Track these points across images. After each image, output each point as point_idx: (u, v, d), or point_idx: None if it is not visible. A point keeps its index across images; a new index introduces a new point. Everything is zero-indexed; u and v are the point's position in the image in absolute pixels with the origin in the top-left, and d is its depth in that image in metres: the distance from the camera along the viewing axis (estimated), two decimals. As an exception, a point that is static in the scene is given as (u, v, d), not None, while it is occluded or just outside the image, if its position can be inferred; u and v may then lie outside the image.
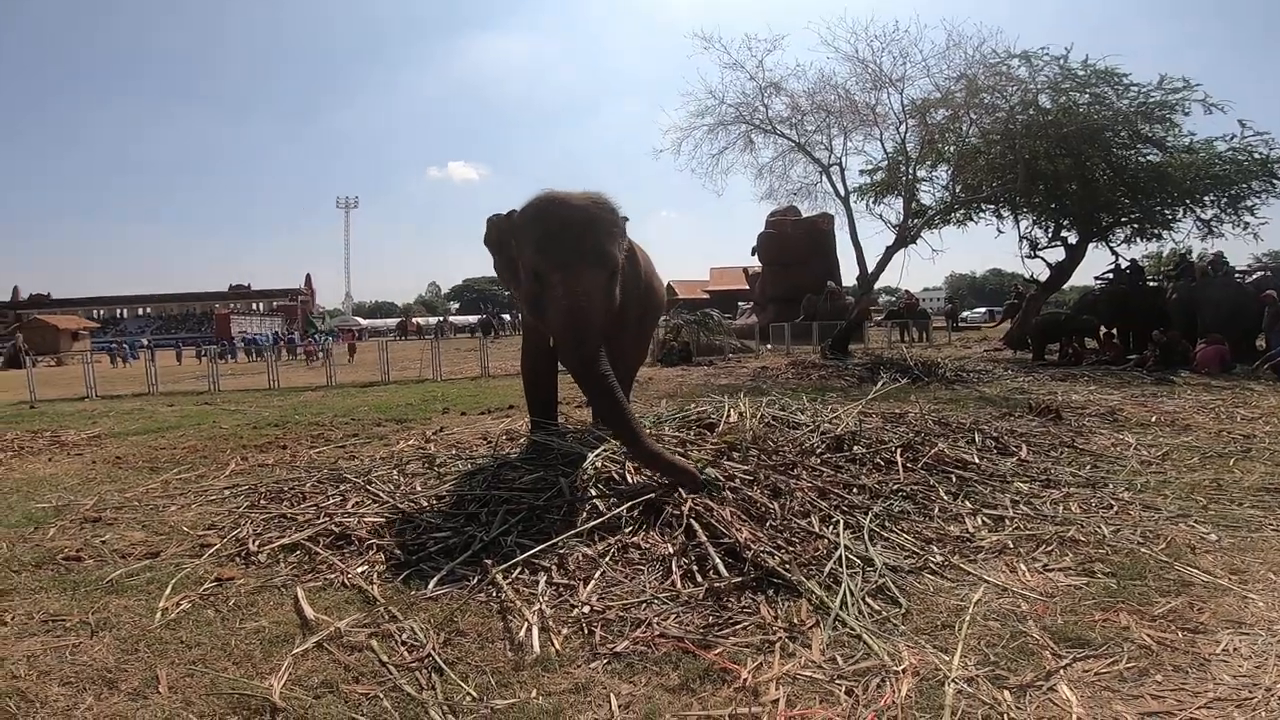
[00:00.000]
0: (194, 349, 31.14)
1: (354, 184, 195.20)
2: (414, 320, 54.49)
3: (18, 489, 5.68)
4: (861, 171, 17.93)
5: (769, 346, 20.13)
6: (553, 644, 2.74)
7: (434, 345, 17.72)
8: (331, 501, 4.60)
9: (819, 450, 5.11)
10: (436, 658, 2.63)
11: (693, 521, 3.74)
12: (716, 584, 3.20)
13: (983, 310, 44.09)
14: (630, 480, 4.36)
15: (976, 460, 5.13)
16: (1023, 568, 3.40)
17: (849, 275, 25.32)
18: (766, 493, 4.22)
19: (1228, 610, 2.88)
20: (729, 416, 5.77)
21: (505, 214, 5.10)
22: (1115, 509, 4.19)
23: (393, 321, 58.85)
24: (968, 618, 2.83)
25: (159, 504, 4.97)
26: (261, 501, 4.79)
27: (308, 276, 73.60)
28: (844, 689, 2.39)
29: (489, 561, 3.45)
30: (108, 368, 24.04)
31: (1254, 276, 13.79)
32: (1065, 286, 19.38)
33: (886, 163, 16.40)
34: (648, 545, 3.65)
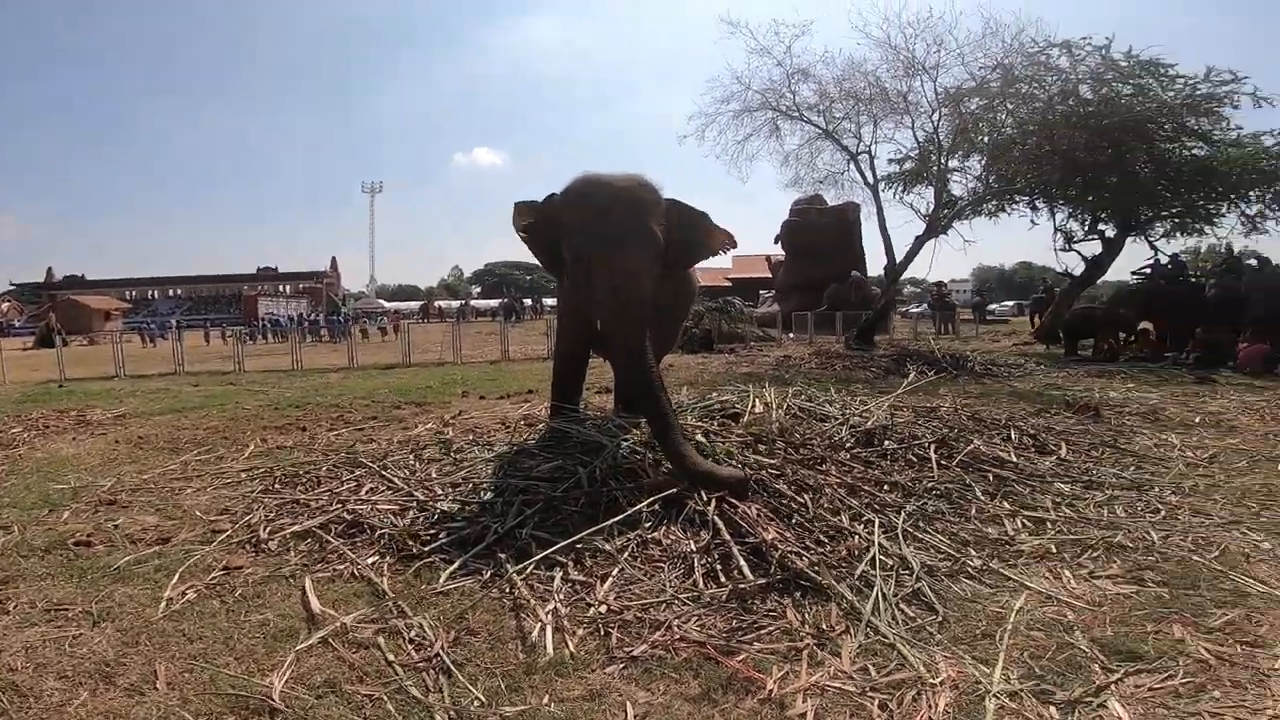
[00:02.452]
0: (220, 330, 31.60)
1: (382, 170, 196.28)
2: (436, 303, 54.72)
3: (38, 469, 5.68)
4: (890, 160, 17.54)
5: (791, 335, 19.83)
6: (567, 646, 2.60)
7: (454, 328, 17.68)
8: (346, 487, 4.50)
9: (849, 444, 4.91)
10: (445, 658, 2.51)
11: (716, 519, 3.59)
12: (741, 585, 3.03)
13: (1010, 304, 43.10)
14: (651, 473, 4.21)
15: (1014, 459, 4.89)
16: (1067, 574, 3.18)
17: (874, 265, 24.86)
18: (794, 488, 4.04)
19: (1284, 620, 2.65)
20: (754, 407, 5.59)
21: (545, 198, 4.96)
22: (1163, 513, 3.94)
23: (416, 304, 59.20)
24: (1009, 627, 2.64)
25: (176, 486, 4.92)
26: (276, 486, 4.71)
27: (333, 260, 74.27)
28: (877, 703, 2.22)
29: (503, 555, 3.33)
30: (138, 347, 24.44)
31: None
32: (1099, 281, 18.80)
33: (917, 152, 15.92)
34: (669, 542, 3.48)
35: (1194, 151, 14.63)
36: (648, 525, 3.60)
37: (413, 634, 2.69)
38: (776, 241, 29.36)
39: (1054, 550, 3.46)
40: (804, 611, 2.81)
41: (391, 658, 2.53)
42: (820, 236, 26.36)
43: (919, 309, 33.22)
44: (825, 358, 13.08)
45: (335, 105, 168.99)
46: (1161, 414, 6.84)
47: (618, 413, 5.68)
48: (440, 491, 4.27)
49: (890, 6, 28.08)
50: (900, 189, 17.36)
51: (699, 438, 4.55)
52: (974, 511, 4.00)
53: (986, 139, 15.10)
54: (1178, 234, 15.96)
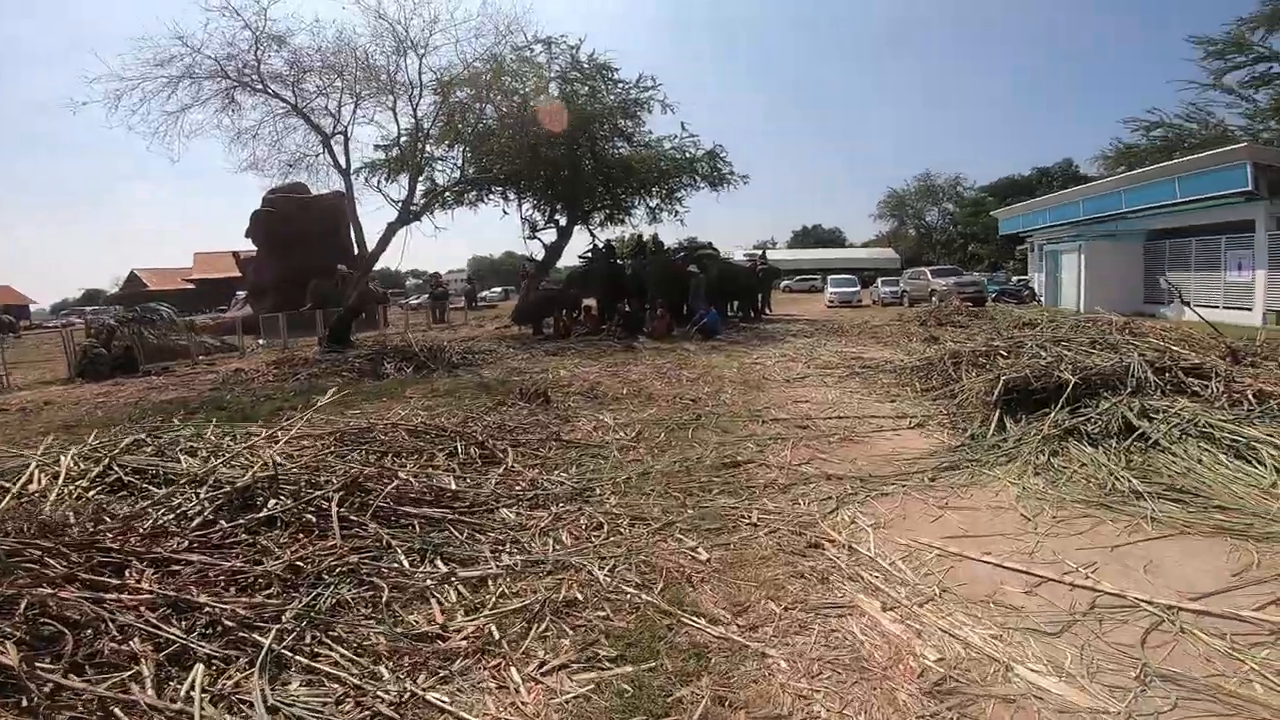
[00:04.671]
0: None
1: None
2: None
3: None
4: (377, 146, 15.47)
5: (262, 342, 15.99)
6: None
7: None
8: None
9: (203, 518, 2.90)
10: None
11: None
12: None
13: (499, 290, 46.06)
14: None
15: (454, 485, 3.64)
16: (515, 676, 2.11)
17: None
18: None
19: (757, 693, 1.96)
20: (33, 482, 3.04)
21: None
22: (606, 529, 3.18)
23: None
24: None
25: None
26: None
27: None
28: None
29: None
30: None
31: (680, 255, 16.65)
32: (560, 265, 20.63)
33: (406, 138, 14.19)
34: None
35: (621, 151, 16.58)
36: None
37: None
38: (248, 235, 23.94)
39: (496, 634, 2.33)
40: None
41: None
42: (301, 227, 22.34)
43: (419, 300, 32.21)
44: (289, 366, 10.36)
45: None
46: (599, 389, 6.82)
47: None
48: None
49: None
50: (385, 176, 15.58)
51: None
52: (387, 595, 2.55)
53: (471, 129, 14.39)
54: (609, 223, 18.33)
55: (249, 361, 12.42)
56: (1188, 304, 9.89)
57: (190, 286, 35.98)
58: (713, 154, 16.89)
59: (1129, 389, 4.45)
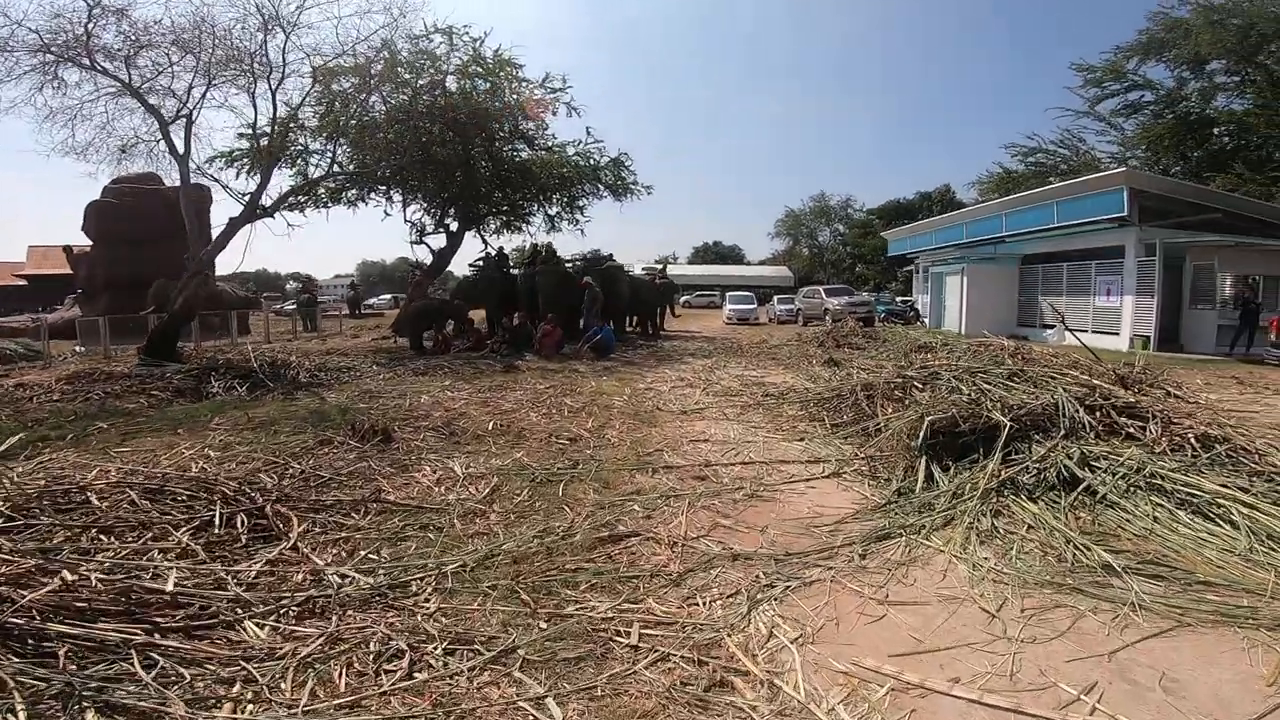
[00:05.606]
0: None
1: None
2: None
3: None
4: (241, 135, 13.27)
5: (79, 349, 13.33)
6: None
7: None
8: None
9: None
10: None
11: None
12: None
13: (388, 297, 42.96)
14: None
15: (171, 583, 2.37)
16: None
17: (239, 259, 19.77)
18: None
19: None
20: None
21: None
22: (408, 662, 2.05)
23: None
24: None
25: None
26: None
27: None
28: None
29: None
30: None
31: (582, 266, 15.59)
32: (451, 271, 18.96)
33: (275, 126, 12.08)
34: None
35: (521, 154, 15.25)
36: None
37: None
38: (84, 229, 20.70)
39: None
40: None
41: None
42: (148, 222, 19.37)
43: (294, 306, 29.15)
44: (87, 382, 8.32)
45: None
46: (460, 423, 5.52)
47: None
48: None
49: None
50: (246, 168, 13.48)
51: None
52: None
53: (355, 122, 12.59)
54: (505, 230, 16.91)
55: (48, 373, 10.04)
56: (1070, 329, 10.07)
57: (22, 283, 30.76)
58: (618, 162, 16.01)
59: (1062, 431, 3.88)
